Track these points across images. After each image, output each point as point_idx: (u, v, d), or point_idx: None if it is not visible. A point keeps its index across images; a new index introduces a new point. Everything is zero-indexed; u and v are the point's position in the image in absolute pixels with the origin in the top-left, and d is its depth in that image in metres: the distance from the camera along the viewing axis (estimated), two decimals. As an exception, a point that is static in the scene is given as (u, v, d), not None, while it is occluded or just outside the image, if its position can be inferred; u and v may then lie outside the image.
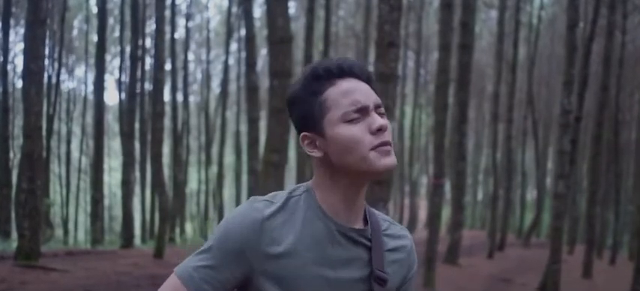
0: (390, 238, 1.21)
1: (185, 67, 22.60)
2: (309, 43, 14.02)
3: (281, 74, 8.07)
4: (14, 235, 12.25)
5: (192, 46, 27.73)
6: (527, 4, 21.78)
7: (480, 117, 31.91)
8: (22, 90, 8.64)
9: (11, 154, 15.68)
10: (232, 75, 25.17)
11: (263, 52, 24.16)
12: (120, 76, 20.19)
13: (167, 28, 16.45)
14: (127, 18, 18.41)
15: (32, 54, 7.74)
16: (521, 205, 27.88)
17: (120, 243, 14.56)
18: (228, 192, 28.88)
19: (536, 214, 22.76)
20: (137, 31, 16.33)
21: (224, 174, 24.34)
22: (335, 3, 23.11)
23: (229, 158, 28.52)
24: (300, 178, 13.94)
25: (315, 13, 16.47)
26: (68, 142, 23.10)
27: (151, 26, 20.19)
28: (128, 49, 18.32)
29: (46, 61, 16.11)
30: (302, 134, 1.15)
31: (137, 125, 18.35)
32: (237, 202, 21.45)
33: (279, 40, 8.17)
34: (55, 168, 24.07)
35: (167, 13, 16.73)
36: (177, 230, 19.59)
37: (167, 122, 17.52)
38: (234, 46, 24.73)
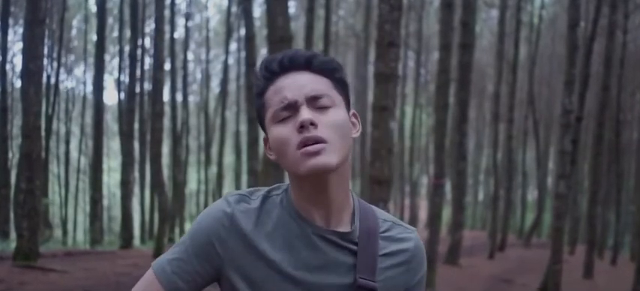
0: (389, 241, 1.12)
1: (184, 67, 22.56)
2: (309, 42, 13.96)
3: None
4: (13, 235, 12.22)
5: (192, 45, 27.70)
6: (528, 3, 21.74)
7: (480, 117, 31.88)
8: (21, 90, 8.64)
9: (10, 154, 15.64)
10: (232, 75, 25.13)
11: (263, 52, 24.09)
12: (119, 75, 20.14)
13: (166, 28, 16.40)
14: (127, 17, 18.36)
15: (31, 54, 7.74)
16: (522, 205, 27.85)
17: (119, 243, 14.55)
18: (227, 192, 28.78)
19: (537, 214, 22.74)
20: (136, 30, 16.30)
21: (224, 174, 24.32)
22: (335, 2, 23.08)
23: (229, 158, 28.50)
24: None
25: (315, 12, 16.42)
26: (67, 142, 23.05)
27: (150, 26, 20.21)
28: (127, 48, 18.29)
29: (45, 61, 16.09)
30: (264, 136, 1.11)
31: (136, 125, 18.31)
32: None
33: (279, 40, 8.14)
34: (54, 168, 24.02)
35: (166, 12, 16.68)
36: (177, 231, 19.53)
37: (166, 122, 17.46)
38: (233, 46, 24.70)
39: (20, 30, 18.39)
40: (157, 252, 10.38)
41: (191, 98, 27.93)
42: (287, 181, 1.12)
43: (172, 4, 19.16)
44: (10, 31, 17.45)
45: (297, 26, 22.40)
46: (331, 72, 1.07)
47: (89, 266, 8.60)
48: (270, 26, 8.55)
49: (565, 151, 9.84)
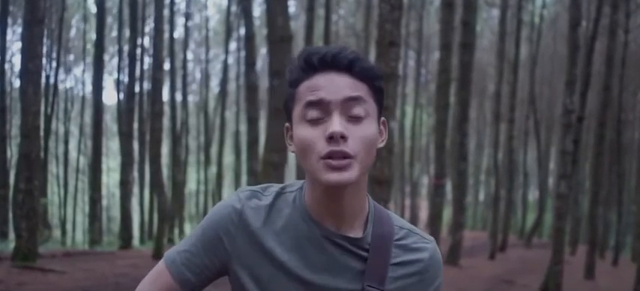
0: (403, 250, 1.09)
1: (184, 67, 22.51)
2: (309, 42, 13.94)
3: (281, 73, 8.01)
4: (12, 235, 12.16)
5: (191, 45, 27.63)
6: (529, 2, 21.67)
7: (481, 117, 31.84)
8: (20, 89, 8.61)
9: (9, 154, 15.56)
10: (232, 74, 25.07)
11: (263, 51, 24.06)
12: (118, 75, 20.07)
13: (166, 27, 16.36)
14: (126, 17, 18.31)
15: (30, 53, 7.72)
16: (523, 205, 27.78)
17: (118, 244, 14.51)
18: (227, 192, 28.77)
19: (538, 214, 22.68)
20: (136, 30, 16.26)
21: (223, 174, 24.27)
22: (335, 2, 23.03)
23: (228, 158, 28.46)
24: (300, 178, 13.85)
25: (315, 11, 16.39)
26: (66, 142, 23.00)
27: (149, 25, 20.13)
28: (126, 48, 18.23)
29: (44, 61, 16.04)
30: (286, 124, 1.08)
31: (136, 125, 18.26)
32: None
33: (279, 39, 8.11)
34: (53, 168, 23.96)
35: (166, 11, 16.64)
36: (176, 231, 19.49)
37: (166, 122, 17.41)
38: (233, 45, 24.64)
39: (19, 29, 18.31)
40: (157, 252, 10.34)
41: (190, 98, 27.88)
42: (290, 181, 1.14)
43: (172, 3, 19.12)
44: (9, 31, 17.36)
45: (297, 26, 22.33)
46: (371, 79, 1.04)
47: (88, 267, 8.57)
48: (269, 26, 8.53)
49: (566, 151, 9.78)
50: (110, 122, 30.05)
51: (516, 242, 22.02)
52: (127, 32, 18.05)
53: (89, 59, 22.62)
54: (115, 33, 22.25)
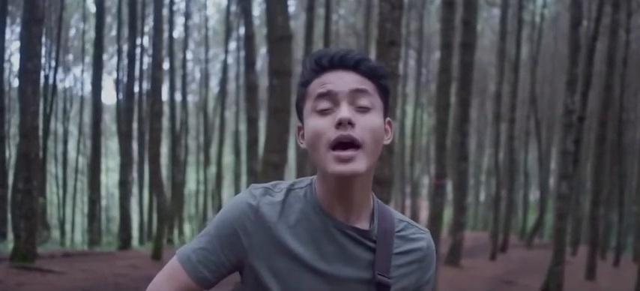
0: (403, 241, 1.18)
1: (183, 66, 22.46)
2: (309, 41, 13.88)
3: (281, 73, 7.97)
4: (10, 236, 12.12)
5: (191, 44, 27.57)
6: (530, 2, 21.63)
7: (482, 117, 31.79)
8: (19, 89, 8.57)
9: (7, 154, 15.51)
10: (231, 74, 25.01)
11: (262, 51, 24.01)
12: (117, 75, 20.01)
13: (165, 27, 16.30)
14: (125, 16, 18.25)
15: (29, 53, 7.69)
16: (523, 205, 27.71)
17: (117, 244, 14.48)
18: (227, 192, 28.74)
19: (539, 215, 22.63)
20: (135, 29, 16.21)
21: (223, 174, 24.21)
22: (335, 1, 22.97)
23: (228, 158, 28.40)
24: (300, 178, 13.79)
25: (315, 11, 16.33)
26: (65, 142, 22.95)
27: (148, 24, 20.07)
28: (126, 47, 18.17)
29: (43, 60, 16.02)
30: (298, 124, 1.16)
31: (135, 125, 18.22)
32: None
33: (279, 39, 8.06)
34: (52, 168, 23.90)
35: (165, 11, 16.60)
36: (176, 231, 19.44)
37: (165, 122, 17.36)
38: (233, 45, 24.57)
39: (18, 29, 18.23)
40: (156, 253, 10.29)
41: (190, 98, 27.81)
42: (289, 180, 1.19)
43: (171, 2, 19.07)
44: (8, 30, 17.29)
45: (297, 25, 22.28)
46: (377, 77, 1.12)
47: (87, 267, 8.56)
48: (269, 25, 8.48)
49: (567, 152, 9.74)
50: (109, 122, 30.00)
51: (517, 243, 21.98)
52: (126, 32, 17.99)
53: (88, 59, 22.55)
54: (114, 32, 22.21)
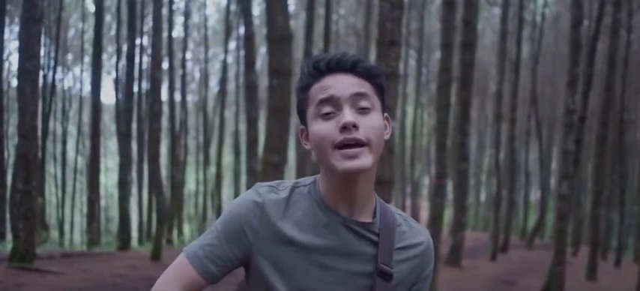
0: (404, 236, 1.22)
1: (183, 66, 22.41)
2: (309, 41, 13.82)
3: (280, 73, 7.93)
4: (9, 236, 12.08)
5: (191, 44, 27.51)
6: (530, 1, 21.59)
7: (482, 116, 31.76)
8: (17, 89, 8.52)
9: (6, 155, 15.47)
10: (231, 74, 24.96)
11: (262, 51, 23.97)
12: (117, 75, 19.96)
13: (165, 26, 16.26)
14: (124, 16, 18.19)
15: (27, 52, 7.65)
16: (524, 206, 27.69)
17: (116, 245, 14.43)
18: (226, 193, 28.69)
19: (539, 215, 22.60)
20: (134, 29, 16.15)
21: (222, 174, 24.15)
22: (335, 0, 22.92)
23: (228, 158, 28.35)
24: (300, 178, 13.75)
25: (315, 10, 16.28)
26: (64, 142, 22.91)
27: (148, 24, 20.01)
28: (125, 47, 18.11)
29: (42, 60, 15.96)
30: (300, 126, 1.21)
31: (134, 125, 18.17)
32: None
33: (279, 38, 8.03)
34: (51, 168, 23.86)
35: (164, 10, 16.53)
36: (175, 232, 19.40)
37: (165, 122, 17.32)
38: (232, 45, 24.52)
39: (16, 28, 18.15)
40: (155, 253, 10.25)
41: (189, 98, 27.75)
42: (287, 180, 1.23)
43: (170, 2, 19.02)
44: (7, 30, 17.24)
45: (297, 24, 22.24)
46: (373, 77, 1.17)
47: (86, 268, 8.53)
48: (269, 25, 8.45)
49: (568, 152, 9.71)
50: (108, 122, 29.95)
51: (518, 243, 21.94)
52: (125, 31, 17.93)
53: (87, 58, 22.51)
54: (113, 32, 22.17)
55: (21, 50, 7.91)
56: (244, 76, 14.14)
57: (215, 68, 30.05)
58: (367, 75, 1.16)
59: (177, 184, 20.10)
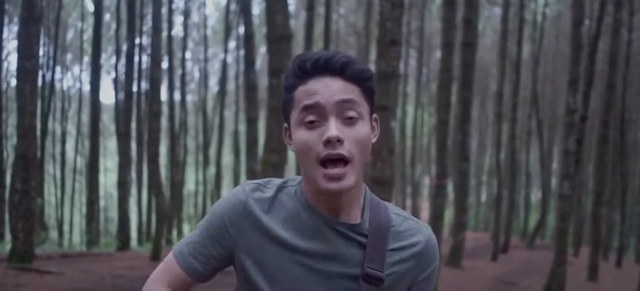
0: (400, 236, 1.16)
1: (182, 66, 22.39)
2: (309, 40, 13.78)
3: (280, 73, 7.77)
4: (8, 237, 12.06)
5: (190, 44, 27.49)
6: (531, 1, 21.54)
7: (483, 116, 31.76)
8: (16, 89, 8.51)
9: (5, 155, 15.44)
10: (231, 73, 24.95)
11: (262, 50, 23.93)
12: (116, 74, 19.92)
13: (164, 26, 16.22)
14: (124, 15, 18.16)
15: (26, 52, 7.65)
16: (525, 206, 27.67)
17: (116, 245, 14.42)
18: (226, 193, 28.41)
19: (540, 215, 22.59)
20: (134, 28, 16.12)
21: (222, 175, 24.14)
22: (336, 0, 22.88)
23: (227, 158, 28.33)
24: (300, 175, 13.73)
25: (316, 10, 16.24)
26: (63, 142, 22.90)
27: (147, 24, 19.97)
28: (124, 47, 18.07)
29: (41, 60, 15.91)
30: (284, 125, 1.16)
31: (134, 125, 18.15)
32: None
33: (279, 38, 8.01)
34: (50, 168, 23.83)
35: (164, 10, 16.49)
36: (175, 232, 19.37)
37: (164, 122, 17.30)
38: (232, 44, 24.49)
39: (15, 28, 18.12)
40: (155, 254, 10.23)
41: (189, 97, 27.74)
42: (283, 178, 1.20)
43: (170, 1, 19.00)
44: (5, 30, 17.20)
45: (297, 24, 22.19)
46: (363, 81, 1.10)
47: (85, 268, 8.53)
48: (269, 24, 8.43)
49: (569, 151, 9.68)
50: (108, 122, 29.92)
51: (519, 243, 21.92)
52: (124, 31, 17.89)
53: (86, 58, 22.48)
54: (112, 31, 22.13)
55: (20, 50, 7.90)
56: (244, 76, 14.12)
57: (215, 68, 30.03)
58: (357, 79, 1.09)
59: (177, 185, 20.08)
